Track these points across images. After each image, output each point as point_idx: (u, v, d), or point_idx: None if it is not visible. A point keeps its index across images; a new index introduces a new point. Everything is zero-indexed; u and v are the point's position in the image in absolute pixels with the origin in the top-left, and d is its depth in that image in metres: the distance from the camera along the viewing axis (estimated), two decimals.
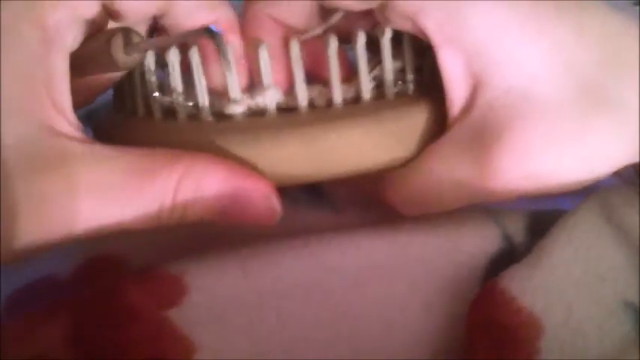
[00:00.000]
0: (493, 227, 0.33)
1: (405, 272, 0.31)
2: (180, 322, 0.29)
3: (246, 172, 0.28)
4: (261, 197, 0.28)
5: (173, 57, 0.30)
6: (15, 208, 0.24)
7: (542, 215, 0.33)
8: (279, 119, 0.30)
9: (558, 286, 0.29)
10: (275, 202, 0.28)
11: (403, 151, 0.31)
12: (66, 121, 0.27)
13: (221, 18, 0.30)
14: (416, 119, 0.31)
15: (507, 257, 0.32)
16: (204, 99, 0.30)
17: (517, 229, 0.32)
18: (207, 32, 0.27)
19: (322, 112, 0.31)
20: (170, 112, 0.31)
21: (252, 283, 0.30)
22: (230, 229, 0.32)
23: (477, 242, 0.32)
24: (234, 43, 0.31)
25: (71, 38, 0.27)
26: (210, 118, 0.30)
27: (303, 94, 0.30)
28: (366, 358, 0.30)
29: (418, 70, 0.32)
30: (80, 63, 0.29)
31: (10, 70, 0.25)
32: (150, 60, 0.31)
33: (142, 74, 0.32)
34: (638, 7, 0.35)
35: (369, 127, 0.30)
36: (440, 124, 0.31)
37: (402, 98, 0.32)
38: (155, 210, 0.27)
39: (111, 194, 0.26)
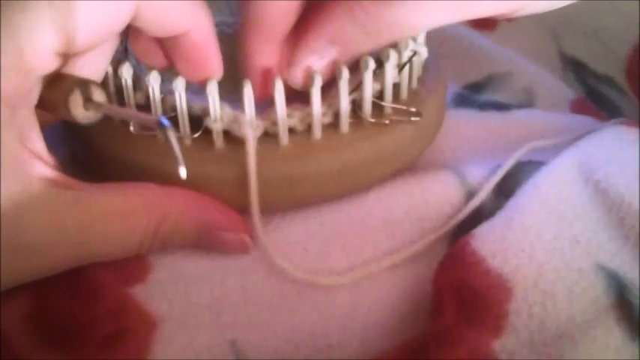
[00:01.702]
0: (457, 186, 0.32)
1: (369, 239, 0.31)
2: (145, 298, 0.29)
3: (221, 209, 0.30)
4: (234, 233, 0.30)
5: (154, 81, 0.29)
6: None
7: (509, 173, 0.32)
8: (259, 148, 0.30)
9: (530, 248, 0.28)
10: (246, 238, 0.30)
11: (378, 174, 0.32)
12: (45, 165, 0.27)
13: (198, 24, 0.29)
14: (389, 144, 0.31)
15: (474, 216, 0.31)
16: (185, 126, 0.30)
17: (482, 185, 0.32)
18: (159, 125, 0.26)
19: (302, 144, 0.30)
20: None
21: (216, 260, 0.30)
22: None
23: (441, 202, 0.31)
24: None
25: (34, 95, 0.27)
26: (189, 143, 0.30)
27: (284, 127, 0.30)
28: (334, 323, 0.29)
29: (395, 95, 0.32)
30: (41, 104, 0.28)
31: None
32: (127, 75, 0.30)
33: (119, 87, 0.31)
34: None
35: (346, 161, 0.30)
36: (411, 146, 0.32)
37: (379, 126, 0.31)
38: (134, 249, 0.28)
39: (93, 238, 0.27)
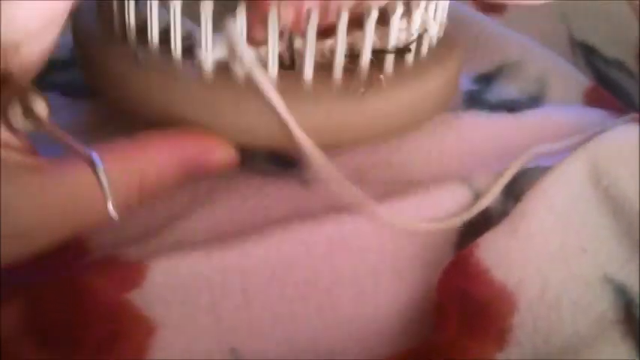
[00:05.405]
0: (465, 190, 0.31)
1: (374, 242, 0.30)
2: (142, 303, 0.28)
3: (197, 135, 0.28)
4: (219, 152, 0.28)
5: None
6: None
7: (518, 175, 0.31)
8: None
9: (535, 259, 0.27)
10: (231, 150, 0.28)
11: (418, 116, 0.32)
12: (18, 151, 0.26)
13: None
14: (428, 86, 0.31)
15: (482, 221, 0.30)
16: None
17: (489, 189, 0.30)
18: (89, 162, 0.25)
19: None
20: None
21: (215, 261, 0.29)
22: (191, 211, 0.31)
23: (448, 206, 0.30)
24: None
25: None
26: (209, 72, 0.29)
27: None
28: (337, 329, 0.29)
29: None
30: None
31: None
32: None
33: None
34: None
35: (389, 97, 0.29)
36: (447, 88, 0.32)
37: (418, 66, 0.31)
38: (121, 210, 0.26)
39: (76, 212, 0.26)
